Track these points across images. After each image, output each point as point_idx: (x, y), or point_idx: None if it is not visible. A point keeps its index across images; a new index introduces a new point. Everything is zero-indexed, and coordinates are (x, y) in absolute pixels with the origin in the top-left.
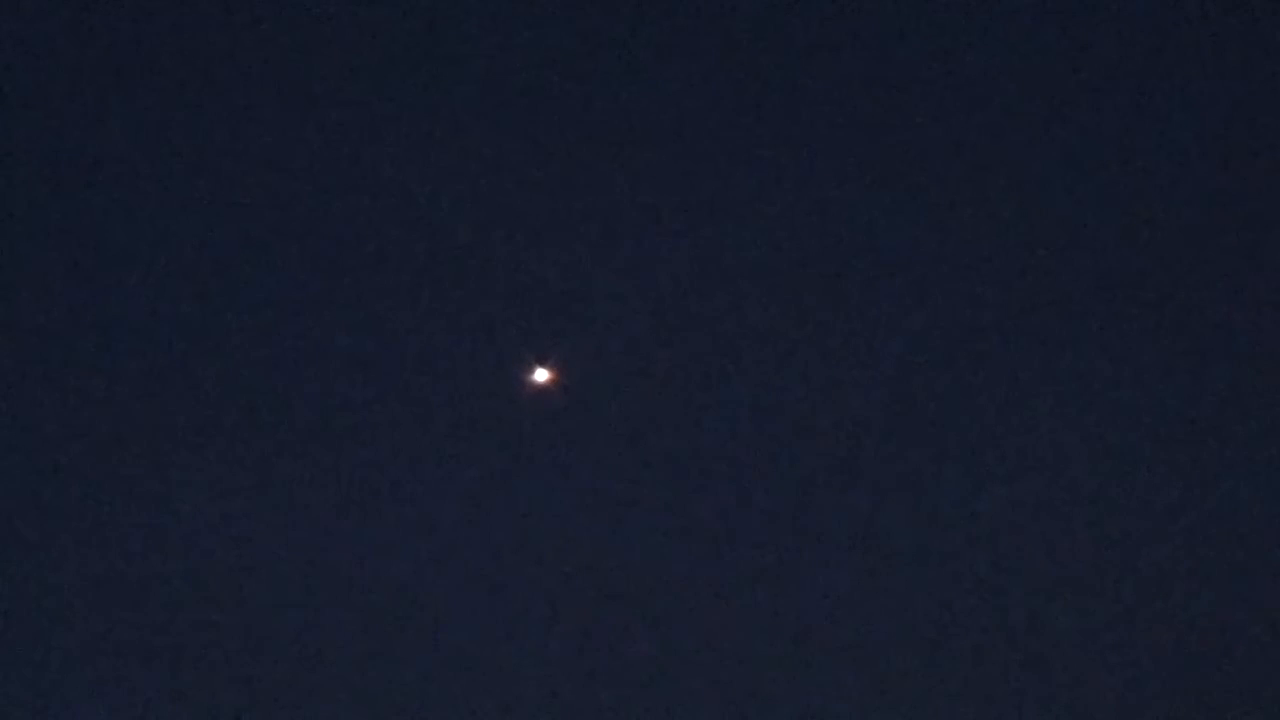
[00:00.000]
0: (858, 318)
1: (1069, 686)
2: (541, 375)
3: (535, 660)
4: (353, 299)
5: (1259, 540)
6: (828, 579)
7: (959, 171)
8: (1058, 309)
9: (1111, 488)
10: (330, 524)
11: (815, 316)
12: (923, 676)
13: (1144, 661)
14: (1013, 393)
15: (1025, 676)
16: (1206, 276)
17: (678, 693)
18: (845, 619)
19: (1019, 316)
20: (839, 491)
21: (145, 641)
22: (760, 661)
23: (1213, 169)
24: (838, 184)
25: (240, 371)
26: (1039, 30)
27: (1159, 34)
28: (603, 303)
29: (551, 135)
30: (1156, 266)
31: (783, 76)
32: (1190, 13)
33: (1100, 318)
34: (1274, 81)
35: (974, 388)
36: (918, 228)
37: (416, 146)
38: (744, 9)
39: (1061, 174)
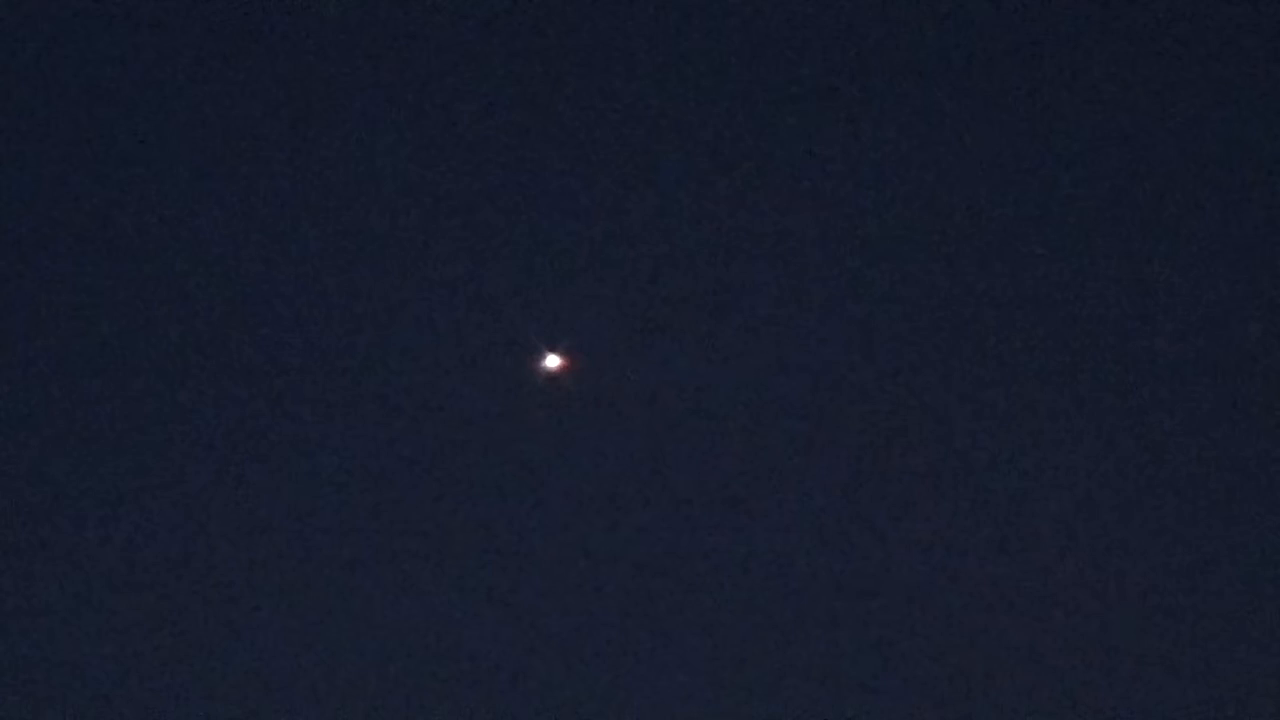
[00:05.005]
0: (868, 306)
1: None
2: (553, 361)
3: (548, 650)
4: (363, 289)
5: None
6: (837, 564)
7: (961, 170)
8: (1061, 315)
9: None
10: (338, 515)
11: (824, 304)
12: (930, 676)
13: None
14: (1014, 392)
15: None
16: (1209, 280)
17: (682, 679)
18: (854, 604)
19: (1022, 317)
20: (849, 479)
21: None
22: (765, 650)
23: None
24: (847, 174)
25: (249, 362)
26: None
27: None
28: (613, 289)
29: (562, 122)
30: (1156, 269)
31: (787, 71)
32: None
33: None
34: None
35: (985, 387)
36: (923, 222)
37: (425, 133)
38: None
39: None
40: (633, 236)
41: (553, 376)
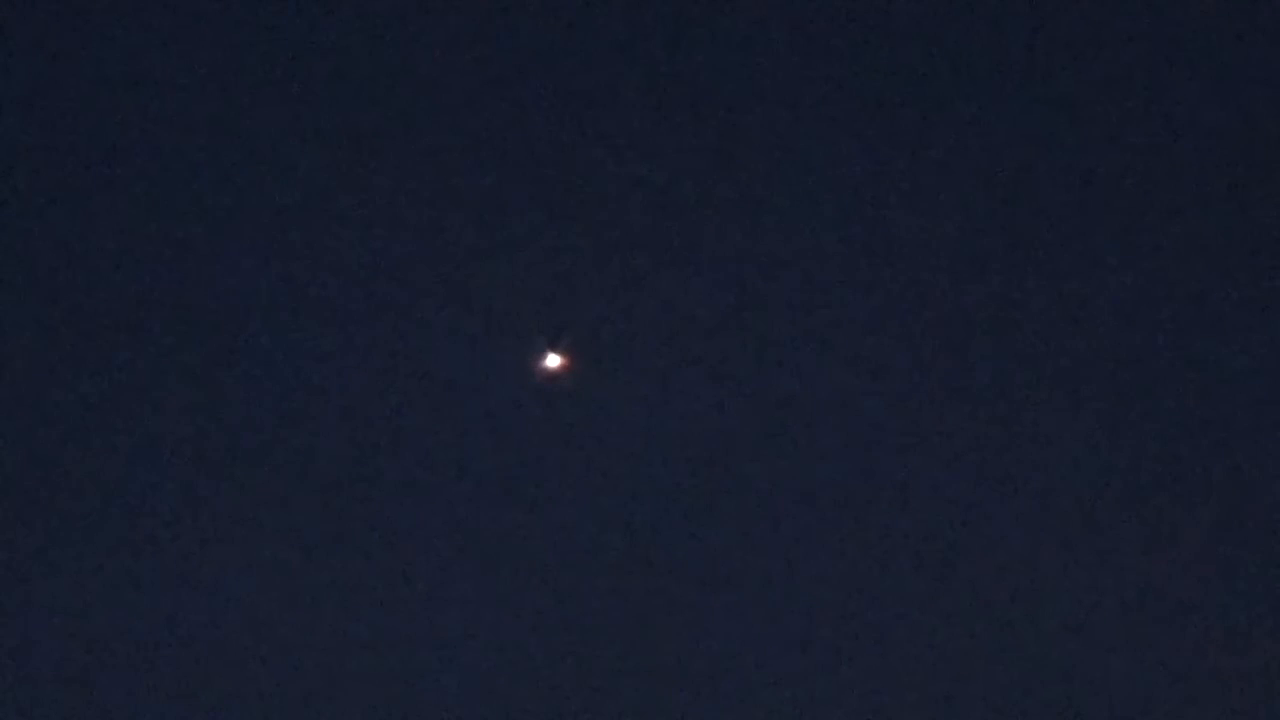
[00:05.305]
0: (870, 305)
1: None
2: (553, 361)
3: (548, 649)
4: (364, 288)
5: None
6: (839, 564)
7: (963, 178)
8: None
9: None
10: (339, 513)
11: (825, 304)
12: (926, 676)
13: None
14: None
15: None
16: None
17: (681, 678)
18: (856, 605)
19: (1020, 312)
20: (849, 476)
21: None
22: (765, 650)
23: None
24: (847, 176)
25: (250, 362)
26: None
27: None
28: (614, 289)
29: (564, 121)
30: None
31: (787, 70)
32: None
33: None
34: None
35: (983, 385)
36: (924, 227)
37: (427, 132)
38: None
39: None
40: (634, 236)
41: (553, 376)
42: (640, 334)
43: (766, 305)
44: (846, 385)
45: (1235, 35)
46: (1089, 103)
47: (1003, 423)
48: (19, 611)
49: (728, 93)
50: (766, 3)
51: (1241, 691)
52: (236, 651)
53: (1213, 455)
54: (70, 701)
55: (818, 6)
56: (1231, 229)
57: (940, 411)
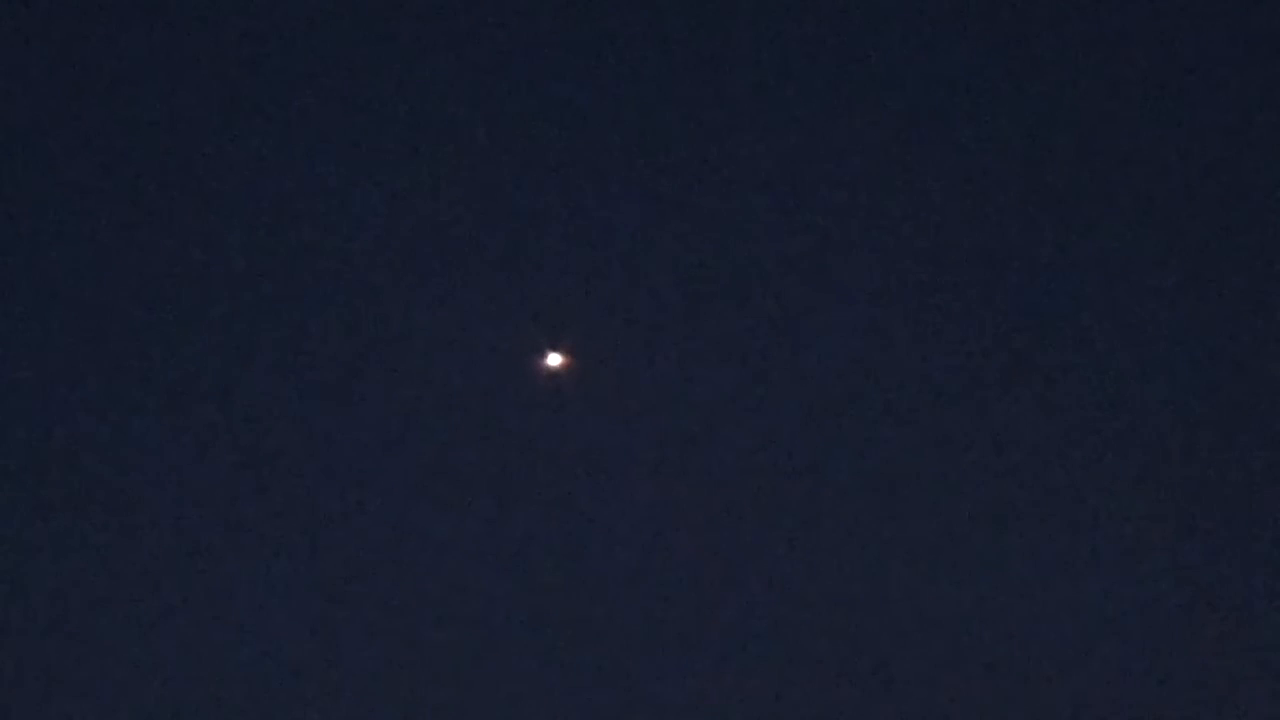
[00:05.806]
0: (870, 306)
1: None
2: (555, 360)
3: (549, 648)
4: (365, 287)
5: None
6: (839, 566)
7: (962, 170)
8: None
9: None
10: (339, 514)
11: (826, 304)
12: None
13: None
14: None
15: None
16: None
17: (678, 679)
18: (855, 608)
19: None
20: (848, 475)
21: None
22: (764, 651)
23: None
24: (850, 176)
25: (251, 361)
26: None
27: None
28: (615, 288)
29: (565, 121)
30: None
31: (787, 69)
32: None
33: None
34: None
35: (990, 386)
36: (923, 225)
37: (428, 132)
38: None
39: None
40: (635, 236)
41: (554, 375)
42: (641, 334)
43: (769, 305)
44: (849, 385)
45: (1236, 35)
46: (1094, 103)
47: (1005, 423)
48: (19, 611)
49: (730, 93)
50: (767, 3)
51: (1241, 691)
52: (235, 651)
53: (1214, 455)
54: (72, 701)
55: (819, 6)
56: (1233, 229)
57: (943, 412)
